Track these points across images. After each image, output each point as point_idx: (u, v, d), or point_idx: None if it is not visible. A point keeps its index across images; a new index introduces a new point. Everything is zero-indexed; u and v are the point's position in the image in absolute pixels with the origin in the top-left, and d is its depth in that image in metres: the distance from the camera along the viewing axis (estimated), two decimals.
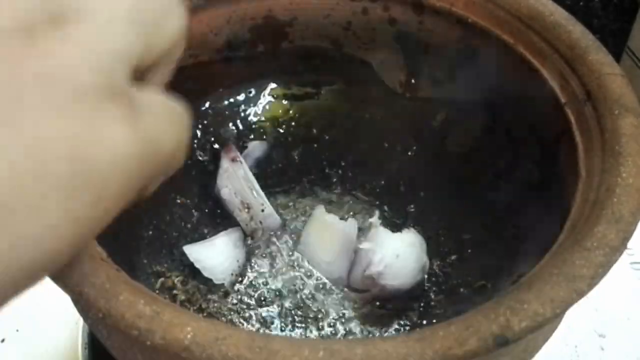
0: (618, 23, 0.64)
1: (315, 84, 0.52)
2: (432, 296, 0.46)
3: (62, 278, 0.28)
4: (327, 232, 0.47)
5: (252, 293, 0.47)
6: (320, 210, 0.49)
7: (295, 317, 0.46)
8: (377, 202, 0.52)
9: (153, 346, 0.26)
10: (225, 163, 0.48)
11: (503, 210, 0.45)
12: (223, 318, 0.45)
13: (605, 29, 0.65)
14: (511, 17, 0.42)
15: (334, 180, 0.53)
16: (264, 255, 0.49)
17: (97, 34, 0.19)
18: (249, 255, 0.49)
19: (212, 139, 0.50)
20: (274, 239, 0.50)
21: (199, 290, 0.46)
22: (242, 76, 0.50)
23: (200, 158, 0.49)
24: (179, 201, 0.48)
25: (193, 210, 0.49)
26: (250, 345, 0.26)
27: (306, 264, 0.48)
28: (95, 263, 0.28)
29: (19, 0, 0.18)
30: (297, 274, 0.48)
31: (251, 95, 0.51)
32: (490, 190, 0.46)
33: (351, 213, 0.52)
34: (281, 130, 0.52)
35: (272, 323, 0.46)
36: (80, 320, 0.50)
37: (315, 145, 0.52)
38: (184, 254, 0.46)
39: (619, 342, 0.50)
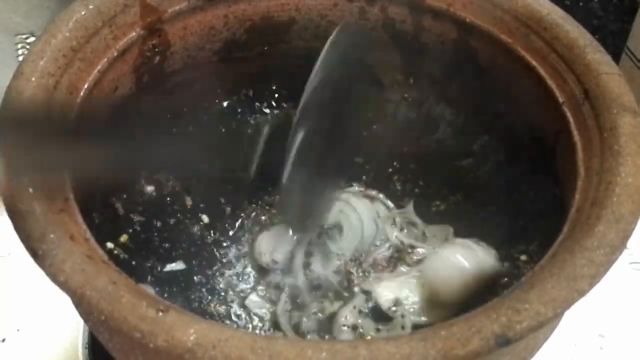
0: (618, 23, 0.64)
1: None
2: None
3: (63, 281, 0.28)
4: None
5: None
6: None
7: None
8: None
9: (156, 348, 0.26)
10: None
11: (502, 209, 0.45)
12: None
13: (605, 29, 0.64)
14: (509, 17, 0.42)
15: None
16: None
17: None
18: None
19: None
20: None
21: None
22: (240, 77, 0.50)
23: None
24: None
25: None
26: (253, 347, 0.26)
27: None
28: (97, 265, 0.28)
29: None
30: None
31: (249, 96, 0.51)
32: (489, 189, 0.46)
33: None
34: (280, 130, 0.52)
35: None
36: (81, 320, 0.50)
37: None
38: None
39: (618, 342, 0.51)
